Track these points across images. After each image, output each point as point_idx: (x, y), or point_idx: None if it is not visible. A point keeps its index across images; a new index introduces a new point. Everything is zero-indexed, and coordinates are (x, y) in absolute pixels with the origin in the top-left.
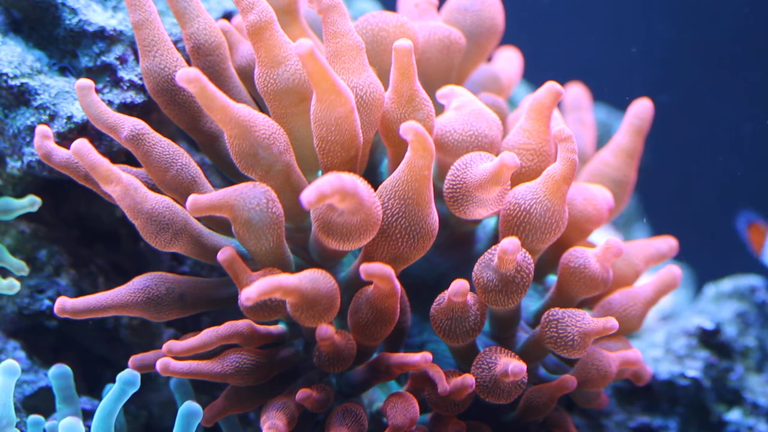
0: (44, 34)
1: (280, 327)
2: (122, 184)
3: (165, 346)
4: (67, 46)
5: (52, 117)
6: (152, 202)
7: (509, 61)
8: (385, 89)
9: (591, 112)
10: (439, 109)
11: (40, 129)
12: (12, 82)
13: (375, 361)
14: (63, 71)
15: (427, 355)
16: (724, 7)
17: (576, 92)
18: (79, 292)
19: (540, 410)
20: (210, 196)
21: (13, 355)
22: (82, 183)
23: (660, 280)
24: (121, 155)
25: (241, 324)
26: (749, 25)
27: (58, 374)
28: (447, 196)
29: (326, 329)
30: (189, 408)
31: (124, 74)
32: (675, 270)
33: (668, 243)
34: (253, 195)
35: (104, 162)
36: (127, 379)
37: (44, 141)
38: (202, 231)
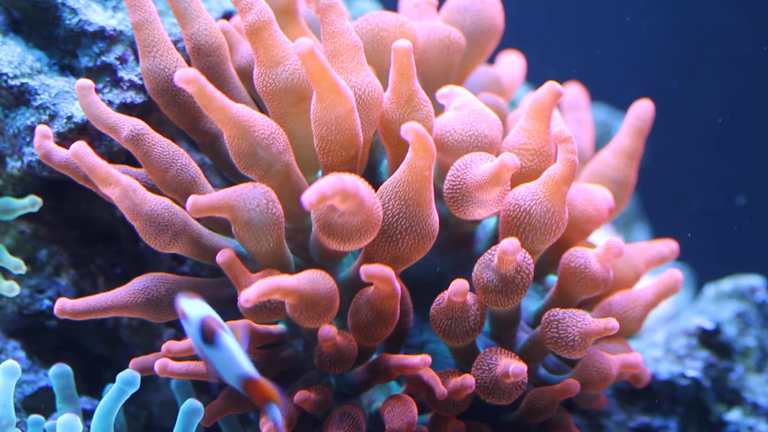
0: (44, 34)
1: (280, 327)
2: (121, 186)
3: (164, 347)
4: (67, 46)
5: (52, 117)
6: (151, 203)
7: (512, 65)
8: (385, 89)
9: (589, 111)
10: (439, 109)
11: (40, 129)
12: (12, 82)
13: (374, 363)
14: (63, 71)
15: (426, 358)
16: (725, 7)
17: (574, 92)
18: (79, 292)
19: (542, 412)
20: (210, 197)
21: (13, 355)
22: (82, 183)
23: (661, 283)
24: (121, 155)
25: (240, 324)
26: (750, 24)
27: (58, 374)
28: (447, 196)
29: (329, 330)
30: (190, 406)
31: (124, 74)
32: (677, 274)
33: (669, 246)
34: (253, 196)
35: (102, 164)
36: (126, 379)
37: (44, 141)
38: (201, 232)
